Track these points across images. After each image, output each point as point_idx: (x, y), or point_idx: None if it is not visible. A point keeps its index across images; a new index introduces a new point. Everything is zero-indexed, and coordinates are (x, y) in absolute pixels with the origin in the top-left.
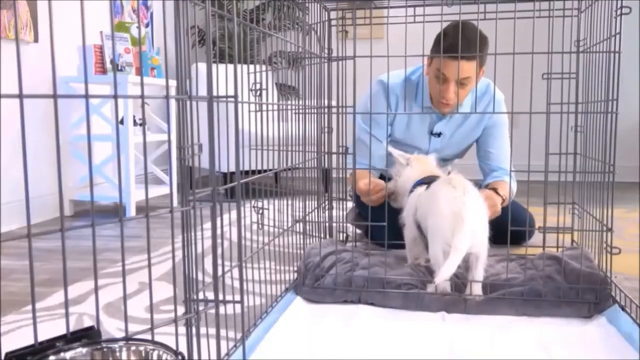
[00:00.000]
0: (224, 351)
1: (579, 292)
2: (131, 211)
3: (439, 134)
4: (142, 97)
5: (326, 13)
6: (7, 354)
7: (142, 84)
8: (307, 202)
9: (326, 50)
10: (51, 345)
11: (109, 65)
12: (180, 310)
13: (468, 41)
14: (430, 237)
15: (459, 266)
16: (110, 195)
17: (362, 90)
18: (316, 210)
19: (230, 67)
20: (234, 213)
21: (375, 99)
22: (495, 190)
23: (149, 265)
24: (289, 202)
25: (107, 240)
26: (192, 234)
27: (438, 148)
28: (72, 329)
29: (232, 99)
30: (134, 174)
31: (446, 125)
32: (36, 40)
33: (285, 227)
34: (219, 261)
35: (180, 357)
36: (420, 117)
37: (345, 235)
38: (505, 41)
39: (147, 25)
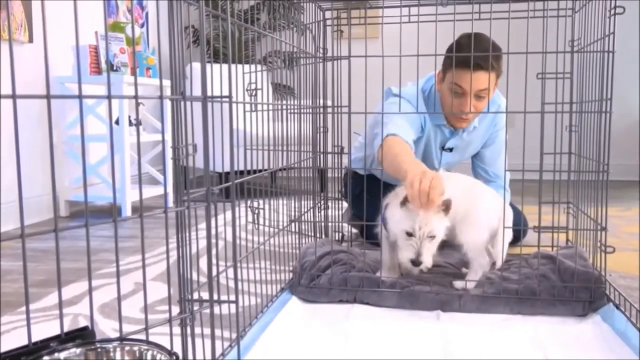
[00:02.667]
0: (219, 351)
1: (574, 290)
2: (127, 211)
3: (450, 149)
4: (135, 97)
5: (321, 13)
6: (1, 355)
7: (135, 84)
8: (302, 202)
9: (321, 50)
10: (45, 345)
11: (104, 66)
12: (175, 310)
13: (484, 51)
14: None
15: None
16: (106, 195)
17: (357, 89)
18: (312, 210)
19: (225, 67)
20: (229, 213)
21: (404, 110)
22: None
23: (143, 266)
24: (285, 201)
25: (103, 240)
26: (187, 234)
27: (449, 162)
28: (67, 329)
29: (227, 99)
30: (130, 174)
31: (458, 140)
32: (31, 40)
33: (281, 227)
34: (214, 261)
35: (174, 357)
36: (433, 132)
37: (340, 235)
38: (500, 41)
39: (142, 25)
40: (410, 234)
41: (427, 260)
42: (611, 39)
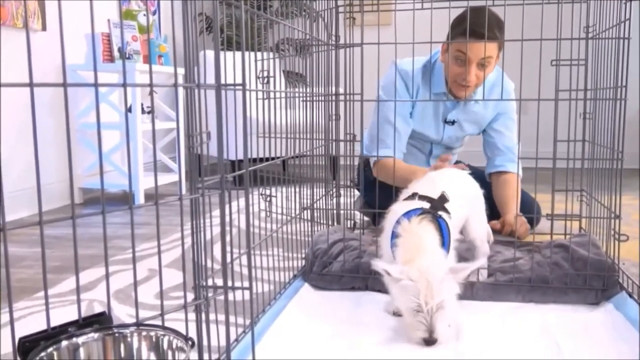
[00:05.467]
0: (233, 337)
1: (586, 278)
2: (140, 199)
3: (452, 122)
4: (150, 85)
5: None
6: (21, 339)
7: (150, 72)
8: (314, 190)
9: (333, 38)
10: (64, 330)
11: (116, 54)
12: (190, 297)
13: (488, 22)
14: None
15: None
16: (119, 183)
17: (370, 77)
18: (324, 198)
19: (238, 54)
20: (242, 201)
21: (396, 87)
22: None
23: (159, 252)
24: (297, 189)
25: (116, 227)
26: (201, 221)
27: (451, 136)
28: (83, 315)
29: (240, 87)
30: (142, 162)
31: (460, 113)
32: (44, 28)
33: (293, 215)
34: (228, 248)
35: (190, 343)
36: (434, 104)
37: (352, 222)
38: (514, 27)
39: (154, 13)
40: (417, 310)
41: (443, 334)
42: (627, 25)
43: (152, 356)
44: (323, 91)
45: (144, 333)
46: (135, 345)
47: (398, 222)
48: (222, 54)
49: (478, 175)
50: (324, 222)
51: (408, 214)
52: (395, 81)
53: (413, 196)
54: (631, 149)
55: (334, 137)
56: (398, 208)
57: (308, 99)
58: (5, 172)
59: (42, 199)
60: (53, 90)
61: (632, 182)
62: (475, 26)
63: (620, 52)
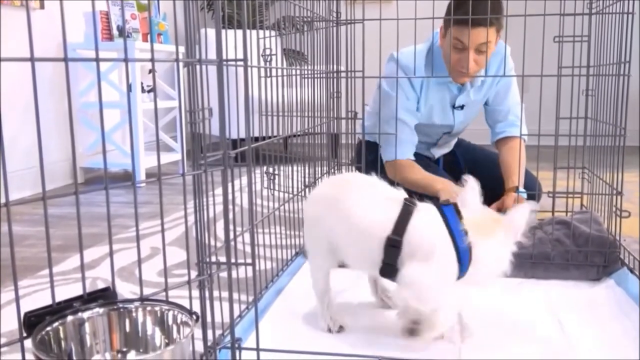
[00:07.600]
0: (236, 313)
1: (588, 255)
2: (141, 178)
3: (462, 107)
4: (152, 60)
5: None
6: (26, 314)
7: (152, 47)
8: (316, 168)
9: (334, 14)
10: (69, 305)
11: (115, 32)
12: (193, 274)
13: (485, 6)
14: None
15: None
16: (120, 162)
17: (371, 54)
18: (325, 176)
19: (238, 32)
20: (244, 179)
21: (399, 84)
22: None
23: (162, 229)
24: (299, 167)
25: (118, 206)
26: (204, 198)
27: (462, 120)
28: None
29: (242, 63)
30: (143, 141)
31: (467, 97)
32: (42, 7)
33: (295, 193)
34: (230, 226)
35: (194, 317)
36: (439, 92)
37: None
38: (517, 3)
39: None
40: None
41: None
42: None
43: (157, 331)
44: (324, 68)
45: (148, 308)
46: (140, 319)
47: None
48: (222, 32)
49: (488, 156)
50: None
51: None
52: (397, 80)
53: None
54: (632, 126)
55: (335, 115)
56: None
57: (309, 76)
58: (9, 151)
59: (44, 178)
60: (53, 70)
61: (633, 160)
62: (469, 14)
63: (624, 27)
